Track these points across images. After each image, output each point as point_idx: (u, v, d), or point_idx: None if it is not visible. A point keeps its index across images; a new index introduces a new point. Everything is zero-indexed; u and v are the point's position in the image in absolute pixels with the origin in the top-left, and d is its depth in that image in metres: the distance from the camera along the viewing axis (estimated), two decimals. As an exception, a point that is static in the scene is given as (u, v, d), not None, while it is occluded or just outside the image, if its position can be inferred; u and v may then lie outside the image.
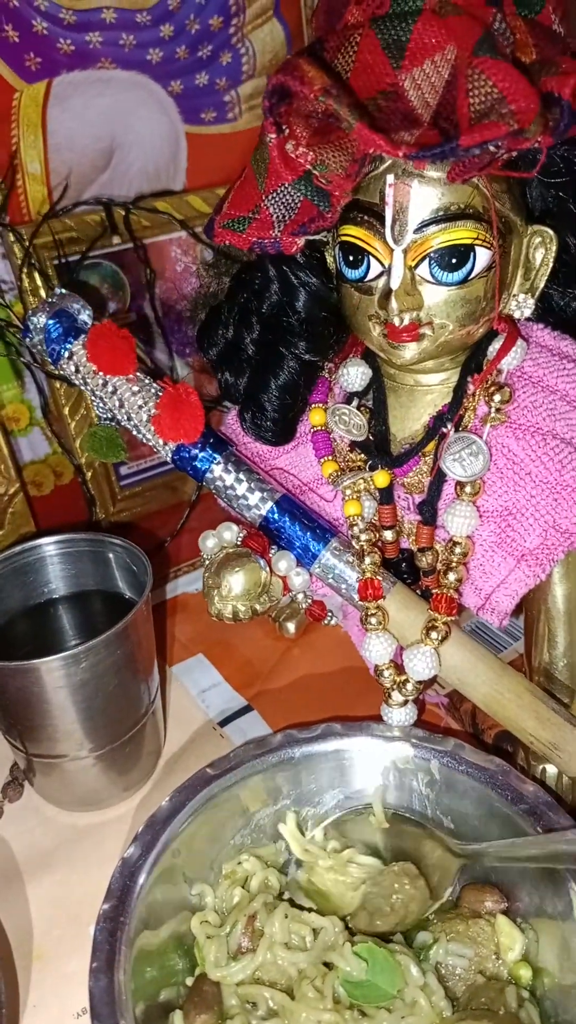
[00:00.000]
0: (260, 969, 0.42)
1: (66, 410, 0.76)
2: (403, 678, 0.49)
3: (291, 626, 0.66)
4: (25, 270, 0.67)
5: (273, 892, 0.46)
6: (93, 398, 0.54)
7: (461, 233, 0.43)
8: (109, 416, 0.55)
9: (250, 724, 0.60)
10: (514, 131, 0.34)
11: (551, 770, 0.49)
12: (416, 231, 0.43)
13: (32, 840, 0.53)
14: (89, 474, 0.79)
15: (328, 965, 0.42)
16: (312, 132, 0.37)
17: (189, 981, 0.43)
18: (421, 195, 0.43)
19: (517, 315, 0.49)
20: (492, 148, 0.36)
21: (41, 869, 0.52)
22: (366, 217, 0.44)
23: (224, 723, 0.61)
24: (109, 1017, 0.37)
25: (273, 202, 0.42)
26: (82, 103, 0.74)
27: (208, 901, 0.46)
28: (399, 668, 0.49)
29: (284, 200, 0.42)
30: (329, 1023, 0.40)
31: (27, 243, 0.66)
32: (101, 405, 0.54)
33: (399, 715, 0.50)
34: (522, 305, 0.48)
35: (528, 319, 0.50)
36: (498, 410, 0.48)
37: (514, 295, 0.48)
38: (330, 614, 0.54)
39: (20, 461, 0.76)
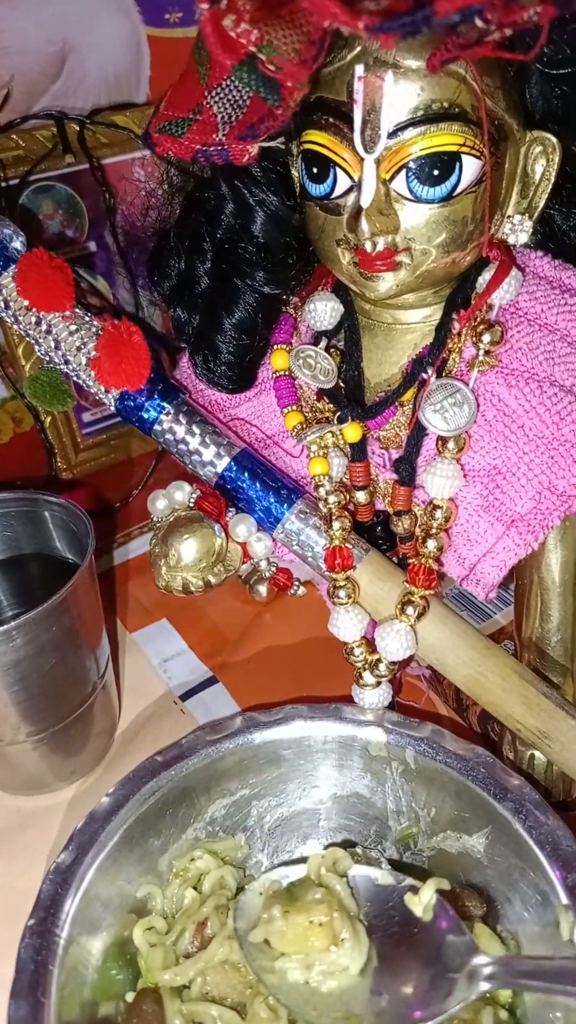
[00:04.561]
0: (209, 982, 0.38)
1: (19, 351, 0.69)
2: (375, 657, 0.43)
3: (263, 589, 0.59)
4: (-38, 192, 0.60)
5: (228, 893, 0.42)
6: (28, 339, 0.48)
7: (445, 138, 0.36)
8: (49, 359, 0.48)
9: (214, 698, 0.56)
10: (505, -6, 0.26)
11: (539, 757, 0.45)
12: (391, 136, 0.36)
13: (-30, 827, 0.49)
14: (48, 421, 0.73)
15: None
16: (256, 4, 0.30)
17: (130, 997, 0.38)
18: (397, 91, 0.35)
19: (512, 240, 0.42)
20: (480, 23, 0.28)
21: (-21, 860, 0.47)
22: (331, 119, 0.37)
23: (186, 696, 0.56)
24: (28, 1053, 0.32)
25: (217, 99, 0.35)
26: (31, 1, 0.66)
27: (156, 903, 0.41)
28: (371, 645, 0.44)
29: (229, 96, 0.34)
30: (282, 1047, 0.35)
31: (-39, 160, 0.58)
32: (38, 347, 0.48)
33: (372, 697, 0.44)
34: (517, 228, 0.41)
35: (525, 245, 0.43)
36: (487, 352, 0.41)
37: (508, 216, 0.41)
38: (297, 583, 0.48)
39: (-29, 407, 0.70)
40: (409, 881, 0.39)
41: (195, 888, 0.42)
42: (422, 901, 0.38)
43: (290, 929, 0.37)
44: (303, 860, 0.42)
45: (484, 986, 0.35)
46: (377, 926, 0.38)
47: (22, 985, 0.35)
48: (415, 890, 0.39)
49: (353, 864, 0.40)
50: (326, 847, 0.44)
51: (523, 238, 0.42)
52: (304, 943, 0.37)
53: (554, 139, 0.39)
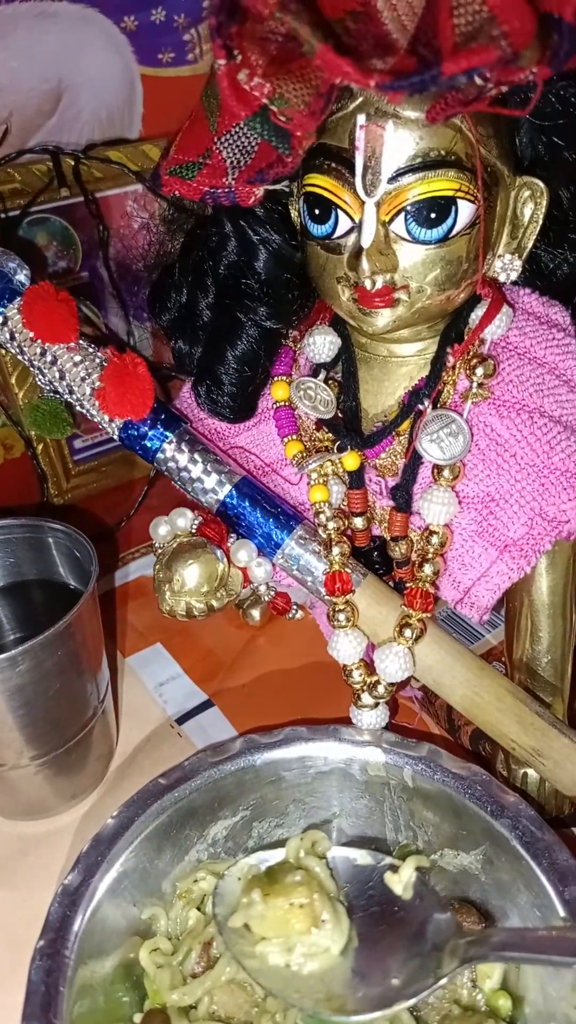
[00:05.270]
0: (216, 1002, 0.39)
1: (13, 379, 0.70)
2: (374, 679, 0.45)
3: (256, 613, 0.61)
4: (-39, 224, 0.61)
5: (231, 914, 0.42)
6: (32, 368, 0.49)
7: (441, 184, 0.38)
8: (52, 388, 0.50)
9: (211, 721, 0.56)
10: (506, 57, 0.28)
11: (532, 775, 0.46)
12: (390, 181, 0.38)
13: (-29, 853, 0.49)
14: (40, 447, 0.73)
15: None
16: (269, 59, 0.31)
17: (137, 1018, 0.39)
18: (396, 139, 0.37)
19: (502, 278, 0.44)
20: (479, 80, 0.30)
21: (-19, 886, 0.47)
22: (334, 164, 0.39)
23: (183, 720, 0.57)
24: (42, 1075, 0.33)
25: (226, 145, 0.36)
26: (25, 40, 0.68)
27: (161, 925, 0.42)
28: (370, 667, 0.45)
29: (239, 142, 0.36)
30: (290, 1064, 0.36)
31: (-39, 194, 0.60)
32: (41, 377, 0.49)
33: (369, 717, 0.46)
34: (508, 267, 0.43)
35: (514, 283, 0.45)
36: (480, 385, 0.43)
37: (499, 255, 0.43)
38: (295, 607, 0.49)
39: (-37, 434, 0.71)
40: (389, 860, 0.40)
41: (199, 909, 0.42)
42: (402, 880, 0.38)
43: (270, 913, 0.37)
44: (282, 843, 0.42)
45: (466, 961, 0.35)
46: (358, 906, 0.39)
47: (34, 1008, 0.35)
48: (395, 869, 0.39)
49: (332, 845, 0.41)
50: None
51: (513, 276, 0.44)
52: (285, 926, 0.37)
53: (542, 184, 0.41)
